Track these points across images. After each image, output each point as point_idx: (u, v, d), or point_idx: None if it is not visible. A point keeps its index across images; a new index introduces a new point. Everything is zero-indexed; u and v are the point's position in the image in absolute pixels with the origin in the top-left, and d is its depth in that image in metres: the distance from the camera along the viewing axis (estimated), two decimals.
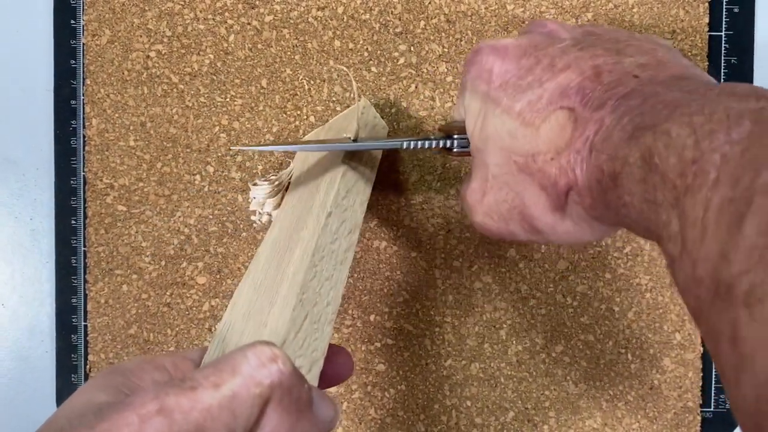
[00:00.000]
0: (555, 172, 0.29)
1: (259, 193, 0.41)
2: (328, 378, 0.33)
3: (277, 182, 0.41)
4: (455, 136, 0.36)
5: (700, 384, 0.46)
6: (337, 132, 0.40)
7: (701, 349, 0.45)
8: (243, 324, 0.30)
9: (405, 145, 0.37)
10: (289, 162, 0.45)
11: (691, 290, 0.21)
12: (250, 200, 0.42)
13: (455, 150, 0.36)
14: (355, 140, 0.37)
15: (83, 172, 0.46)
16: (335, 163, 0.37)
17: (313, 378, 0.28)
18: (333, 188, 0.35)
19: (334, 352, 0.33)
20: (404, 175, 0.45)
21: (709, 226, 0.20)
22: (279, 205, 0.41)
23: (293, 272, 0.31)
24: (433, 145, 0.37)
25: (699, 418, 0.46)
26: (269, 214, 0.41)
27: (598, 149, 0.27)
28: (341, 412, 0.46)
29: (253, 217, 0.42)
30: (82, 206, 0.46)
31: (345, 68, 0.41)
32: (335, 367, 0.33)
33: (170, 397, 0.23)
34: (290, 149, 0.39)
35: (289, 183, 0.42)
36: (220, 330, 0.31)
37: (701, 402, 0.46)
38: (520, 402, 0.46)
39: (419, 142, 0.37)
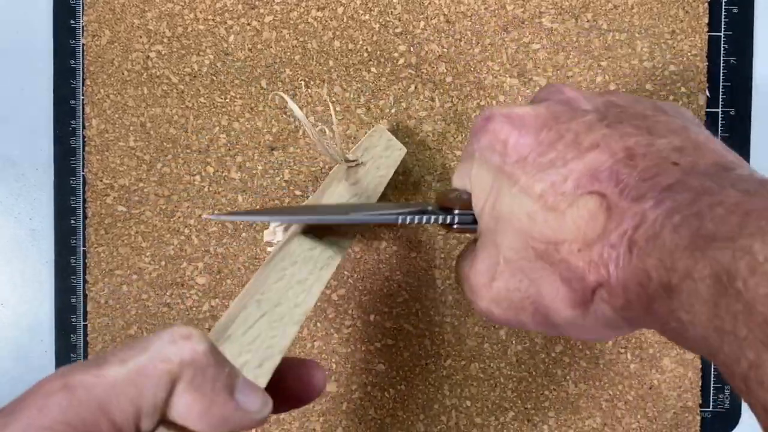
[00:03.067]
0: (583, 265, 0.26)
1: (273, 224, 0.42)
2: (296, 394, 0.32)
3: None
4: (456, 212, 0.33)
5: (700, 384, 0.46)
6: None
7: None
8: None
9: (401, 220, 0.33)
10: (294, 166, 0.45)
11: None
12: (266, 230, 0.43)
13: (456, 226, 0.33)
14: (354, 161, 0.38)
15: (83, 172, 0.46)
16: (339, 172, 0.38)
17: (265, 372, 0.29)
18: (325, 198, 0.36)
19: (302, 366, 0.32)
20: (404, 175, 0.45)
21: None
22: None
23: (259, 274, 0.32)
24: (432, 221, 0.33)
25: (698, 417, 0.46)
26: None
27: (643, 249, 0.24)
28: (342, 413, 0.46)
29: (269, 248, 0.43)
30: (81, 206, 0.46)
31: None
32: (303, 381, 0.32)
33: (76, 374, 0.23)
34: (265, 220, 0.37)
35: None
36: None
37: (700, 402, 0.46)
38: (519, 402, 0.46)
39: (416, 217, 0.33)
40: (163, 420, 0.24)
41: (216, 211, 0.46)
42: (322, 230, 0.34)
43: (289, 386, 0.31)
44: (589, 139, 0.28)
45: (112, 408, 0.23)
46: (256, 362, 0.29)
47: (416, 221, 0.34)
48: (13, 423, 0.22)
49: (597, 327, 0.27)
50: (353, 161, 0.39)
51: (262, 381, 0.28)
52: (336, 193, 0.37)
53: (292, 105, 0.36)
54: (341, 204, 0.37)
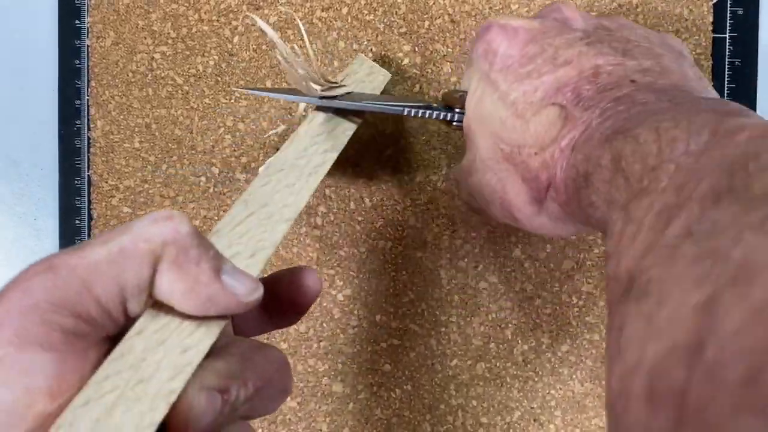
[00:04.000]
0: (537, 166, 0.29)
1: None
2: (294, 299, 0.31)
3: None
4: (456, 110, 0.36)
5: None
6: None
7: None
8: None
9: (406, 112, 0.37)
10: None
11: (609, 285, 0.22)
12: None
13: (455, 124, 0.37)
14: (335, 83, 0.38)
15: (88, 172, 0.46)
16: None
17: (257, 262, 0.29)
18: (311, 116, 0.37)
19: (294, 272, 0.31)
20: (409, 175, 0.45)
21: (644, 228, 0.21)
22: None
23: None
24: (434, 116, 0.37)
25: None
26: None
27: (578, 149, 0.27)
28: (348, 414, 0.46)
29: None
30: (86, 206, 0.46)
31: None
32: (297, 285, 0.31)
33: (59, 256, 0.23)
34: (289, 98, 0.41)
35: None
36: None
37: None
38: (526, 401, 0.46)
39: (420, 111, 0.37)
40: (153, 303, 0.25)
41: (221, 213, 0.46)
42: (313, 137, 0.36)
43: (284, 294, 0.31)
44: (566, 55, 0.30)
45: (96, 287, 0.23)
46: (247, 253, 0.29)
47: (420, 114, 0.37)
48: None
49: (549, 222, 0.31)
50: (334, 83, 0.38)
51: (254, 270, 0.29)
52: (317, 117, 0.37)
53: (261, 24, 0.35)
54: (355, 93, 0.39)
